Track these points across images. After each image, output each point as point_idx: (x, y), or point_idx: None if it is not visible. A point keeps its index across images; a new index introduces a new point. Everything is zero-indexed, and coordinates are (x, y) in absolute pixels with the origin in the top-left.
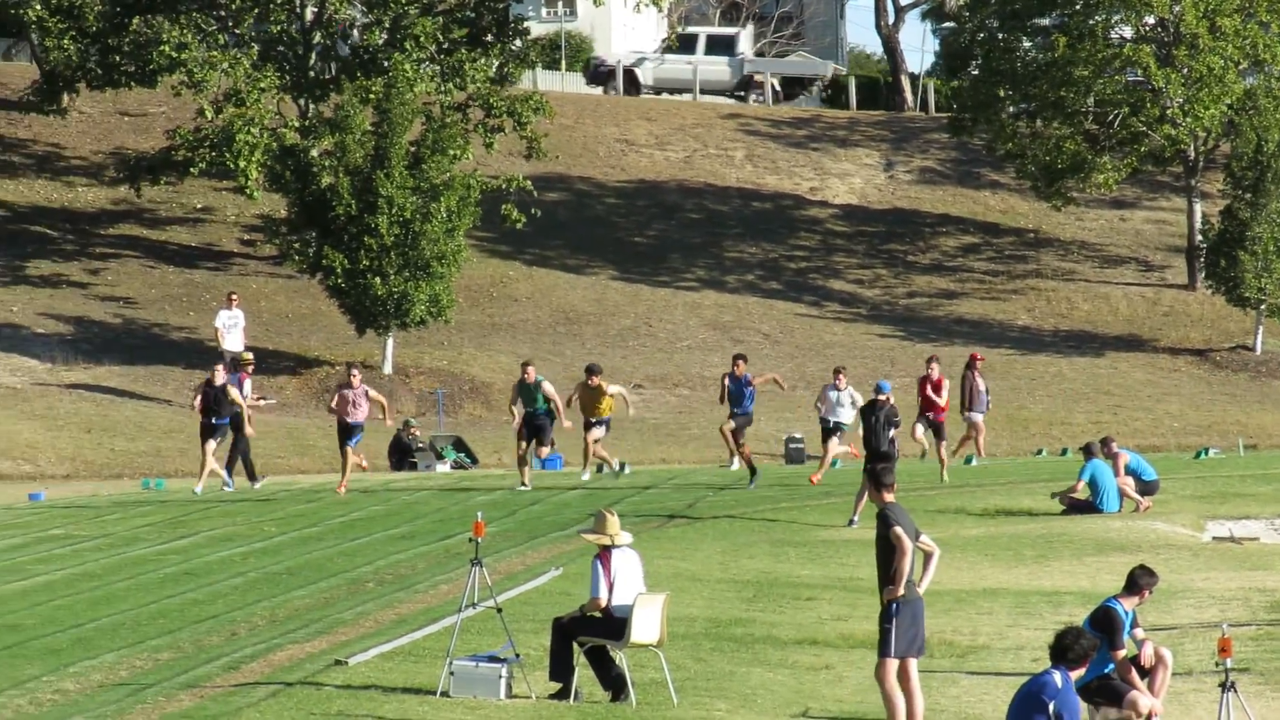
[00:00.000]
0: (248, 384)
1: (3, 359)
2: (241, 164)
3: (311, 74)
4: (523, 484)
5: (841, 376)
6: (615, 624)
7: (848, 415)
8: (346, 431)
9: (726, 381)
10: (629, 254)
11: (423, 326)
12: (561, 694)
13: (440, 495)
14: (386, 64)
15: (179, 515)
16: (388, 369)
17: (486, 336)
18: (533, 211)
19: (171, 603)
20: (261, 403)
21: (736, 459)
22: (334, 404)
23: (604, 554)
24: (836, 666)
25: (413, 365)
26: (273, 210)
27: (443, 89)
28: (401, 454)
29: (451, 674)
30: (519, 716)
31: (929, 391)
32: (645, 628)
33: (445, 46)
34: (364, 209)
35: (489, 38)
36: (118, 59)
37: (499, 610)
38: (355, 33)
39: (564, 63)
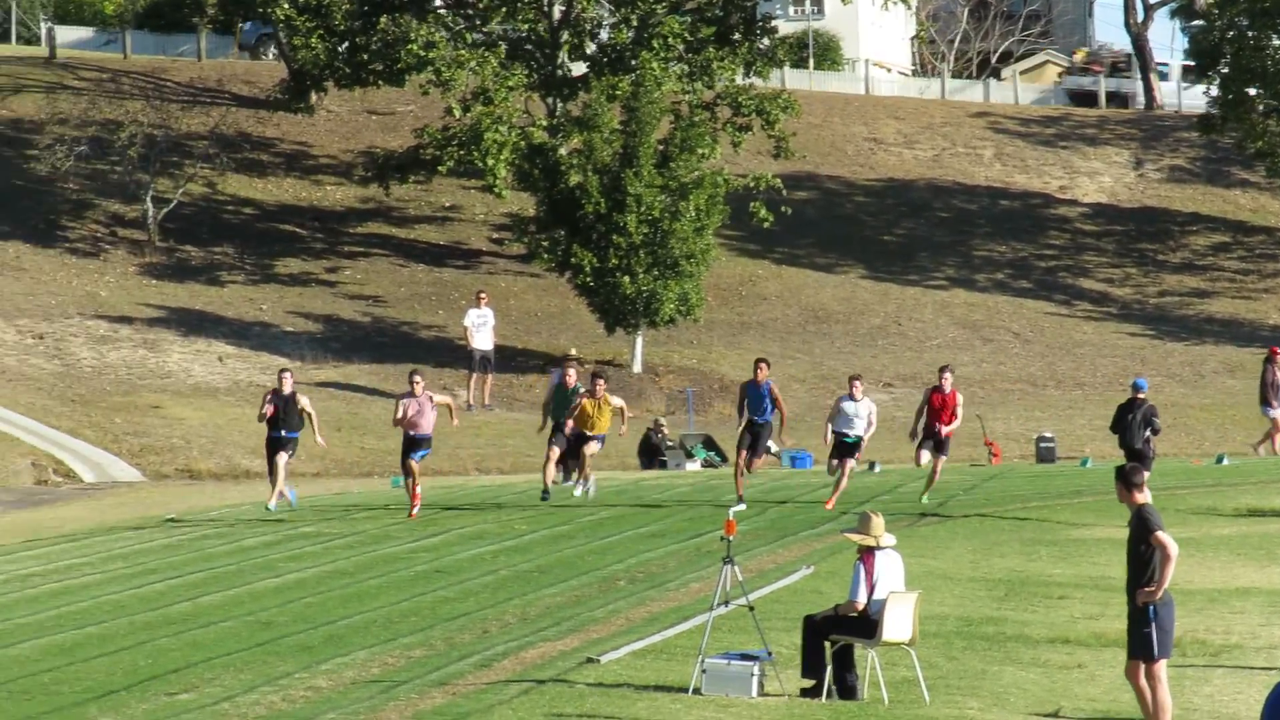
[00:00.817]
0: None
1: (253, 357)
2: (490, 162)
3: (559, 72)
4: (545, 491)
5: (858, 385)
6: (868, 623)
7: (863, 428)
8: (411, 445)
9: (747, 390)
10: (878, 252)
11: (672, 325)
12: (814, 691)
13: (691, 493)
14: (634, 62)
15: (429, 513)
16: (637, 368)
17: (736, 335)
18: (782, 210)
19: (423, 600)
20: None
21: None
22: (397, 415)
23: (867, 556)
24: (1089, 665)
25: (662, 364)
26: (521, 209)
27: (690, 88)
28: (651, 453)
29: (704, 672)
30: (771, 715)
31: (937, 405)
32: (897, 626)
33: (693, 45)
34: (612, 207)
35: (736, 36)
36: (365, 57)
37: (751, 608)
38: (603, 31)
39: (812, 61)
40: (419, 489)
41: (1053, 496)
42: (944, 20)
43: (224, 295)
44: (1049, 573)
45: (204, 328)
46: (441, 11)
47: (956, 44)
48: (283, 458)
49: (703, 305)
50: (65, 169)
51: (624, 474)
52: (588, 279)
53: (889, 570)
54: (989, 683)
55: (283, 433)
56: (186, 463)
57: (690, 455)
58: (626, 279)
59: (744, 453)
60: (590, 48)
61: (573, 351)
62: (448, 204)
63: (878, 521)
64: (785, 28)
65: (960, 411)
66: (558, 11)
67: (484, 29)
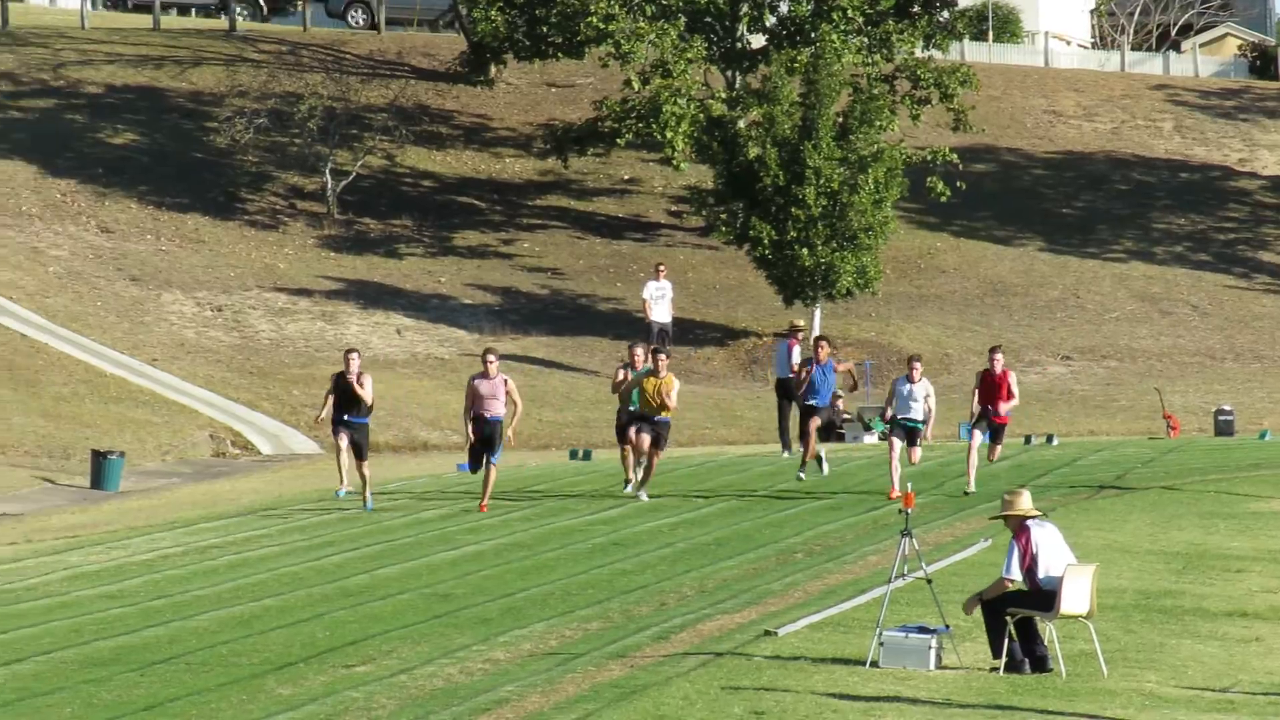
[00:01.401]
0: (796, 350)
1: (431, 330)
2: (668, 135)
3: (738, 45)
4: (628, 481)
5: (917, 366)
6: (1044, 596)
7: (920, 412)
8: (484, 437)
9: (810, 369)
10: (1056, 225)
11: (850, 298)
12: (1010, 668)
13: (868, 467)
14: (814, 35)
15: (606, 486)
16: None
17: (914, 308)
18: (959, 184)
19: (600, 573)
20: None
21: (811, 462)
22: (468, 403)
23: (1020, 532)
24: (1266, 639)
25: (840, 337)
26: (699, 181)
27: (869, 60)
28: (828, 426)
29: (881, 644)
30: (949, 687)
31: (990, 387)
32: (1075, 599)
33: (872, 18)
34: (791, 180)
35: (916, 9)
36: (545, 30)
37: (929, 581)
38: (782, 4)
39: (991, 34)
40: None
41: (1231, 470)
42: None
43: (402, 268)
44: (1227, 546)
45: (382, 300)
46: None
47: (1136, 16)
48: (345, 440)
49: (881, 278)
50: (245, 141)
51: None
52: (766, 251)
53: (1048, 543)
54: (1167, 656)
55: (347, 417)
56: None
57: (868, 428)
58: (805, 251)
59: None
60: (770, 20)
61: (799, 322)
62: (626, 177)
63: (1023, 497)
64: (965, 0)
65: (1015, 391)
66: None
67: (663, 1)
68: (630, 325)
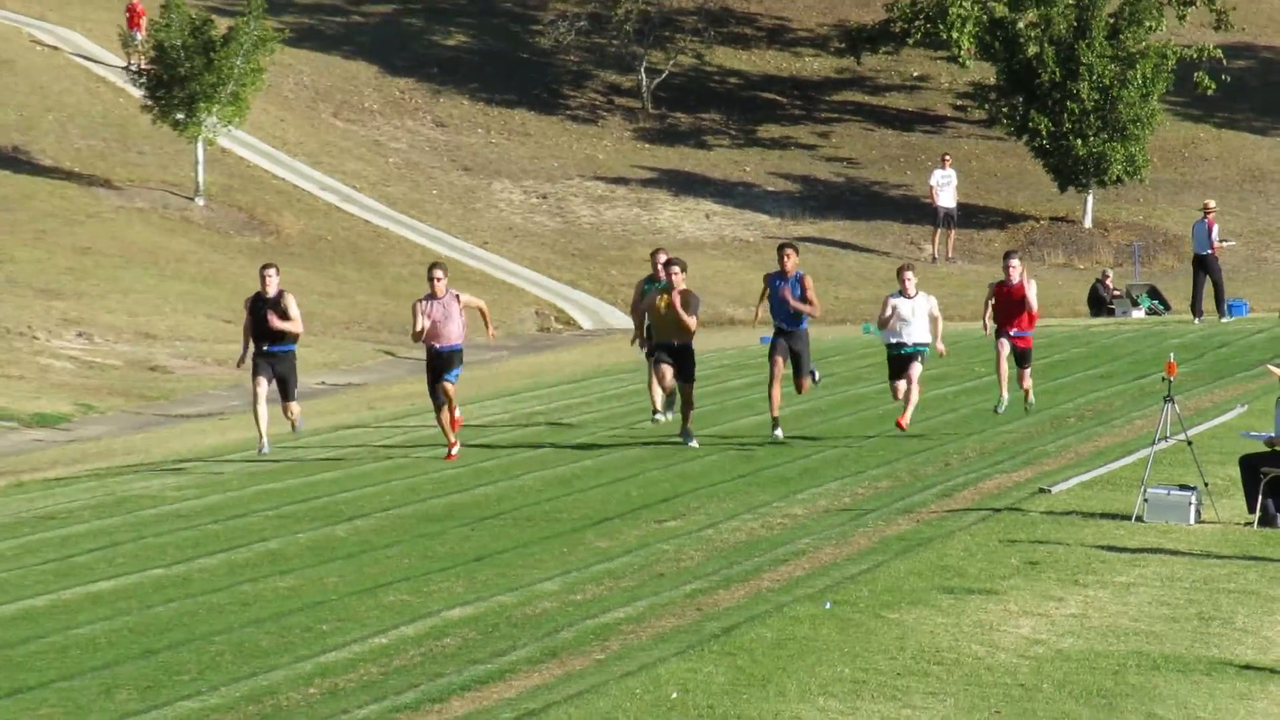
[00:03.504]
0: (1215, 228)
1: (737, 215)
2: (954, 35)
3: None
4: (656, 413)
5: (909, 277)
6: None
7: (923, 333)
8: (438, 364)
9: (769, 283)
10: None
11: (1120, 184)
12: (1264, 522)
13: (1135, 339)
14: None
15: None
16: (1088, 223)
17: (1178, 193)
18: (1223, 77)
19: (889, 436)
20: (1225, 244)
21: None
22: (417, 327)
23: None
24: None
25: (1110, 220)
26: (983, 78)
27: None
28: (1099, 303)
29: (1145, 501)
30: (1206, 540)
31: (1004, 301)
32: None
33: None
34: (1066, 76)
35: None
36: None
37: (1189, 443)
38: None
39: None
40: (459, 415)
41: None
42: None
43: (710, 158)
44: None
45: (692, 188)
46: None
47: None
48: (264, 387)
49: (1148, 166)
50: (566, 43)
51: (1074, 320)
52: (1043, 141)
53: None
54: None
55: (265, 347)
56: None
57: (1136, 304)
58: (1079, 141)
59: (779, 362)
60: None
61: (1210, 202)
62: (916, 74)
63: None
64: None
65: (1036, 307)
66: None
67: None
68: (919, 210)
